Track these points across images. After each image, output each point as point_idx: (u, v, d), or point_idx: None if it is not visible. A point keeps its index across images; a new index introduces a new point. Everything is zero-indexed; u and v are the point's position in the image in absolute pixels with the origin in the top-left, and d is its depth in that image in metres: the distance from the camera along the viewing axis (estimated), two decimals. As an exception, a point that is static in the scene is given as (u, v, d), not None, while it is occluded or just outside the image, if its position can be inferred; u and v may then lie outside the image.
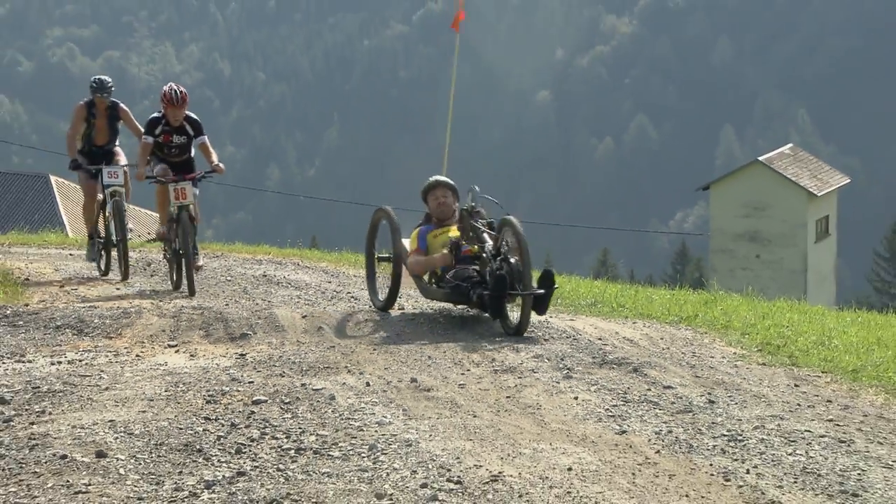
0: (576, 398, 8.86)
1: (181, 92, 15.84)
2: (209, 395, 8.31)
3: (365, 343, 10.91)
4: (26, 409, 7.90)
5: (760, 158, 63.17)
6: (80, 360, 9.73)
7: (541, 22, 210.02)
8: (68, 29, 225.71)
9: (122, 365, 9.50)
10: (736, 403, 8.83)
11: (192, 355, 10.08)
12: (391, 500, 6.03)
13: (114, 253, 16.95)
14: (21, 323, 11.76)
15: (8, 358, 9.90)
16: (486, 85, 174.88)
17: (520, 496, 6.18)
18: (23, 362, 9.71)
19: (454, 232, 12.53)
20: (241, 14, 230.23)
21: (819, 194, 60.68)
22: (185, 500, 6.02)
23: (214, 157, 15.99)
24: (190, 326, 11.56)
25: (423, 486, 6.29)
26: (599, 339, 11.54)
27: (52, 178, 51.63)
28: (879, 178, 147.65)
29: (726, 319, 13.26)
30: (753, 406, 8.75)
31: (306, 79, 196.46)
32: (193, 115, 16.14)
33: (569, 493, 6.30)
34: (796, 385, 9.78)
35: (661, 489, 6.55)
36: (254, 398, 8.21)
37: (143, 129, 16.19)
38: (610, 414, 8.47)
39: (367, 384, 8.89)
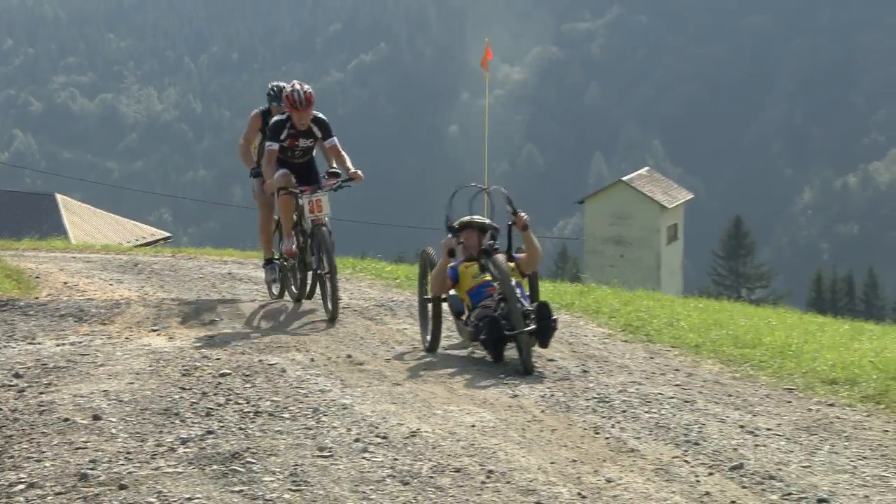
0: (478, 369, 8.89)
1: (305, 92, 11.44)
2: (184, 370, 8.26)
3: (310, 327, 10.86)
4: (36, 382, 7.83)
5: (623, 179, 63.64)
6: (80, 342, 9.64)
7: (452, 68, 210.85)
8: (70, 76, 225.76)
9: (114, 346, 9.41)
10: (604, 373, 8.89)
11: (170, 338, 10.00)
12: (331, 451, 6.02)
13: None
14: (32, 312, 11.61)
15: (21, 341, 9.79)
16: (410, 121, 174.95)
17: (433, 448, 6.19)
18: (33, 344, 9.60)
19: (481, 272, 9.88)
20: (210, 63, 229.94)
21: (669, 207, 61.20)
22: (165, 453, 5.98)
23: (349, 163, 11.59)
24: (169, 315, 11.45)
25: (357, 440, 6.28)
26: (497, 322, 11.53)
27: (59, 196, 51.01)
28: (716, 193, 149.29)
29: (597, 306, 13.31)
30: (618, 374, 8.81)
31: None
32: (321, 116, 11.83)
33: (472, 444, 6.32)
34: (651, 357, 9.84)
35: (545, 440, 6.58)
36: (220, 371, 8.17)
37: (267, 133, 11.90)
38: (504, 381, 8.50)
39: (312, 360, 8.86)
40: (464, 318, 9.71)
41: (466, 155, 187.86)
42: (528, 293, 10.02)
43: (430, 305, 10.05)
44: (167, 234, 55.53)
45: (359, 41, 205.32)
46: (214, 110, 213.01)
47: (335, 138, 11.71)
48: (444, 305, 9.94)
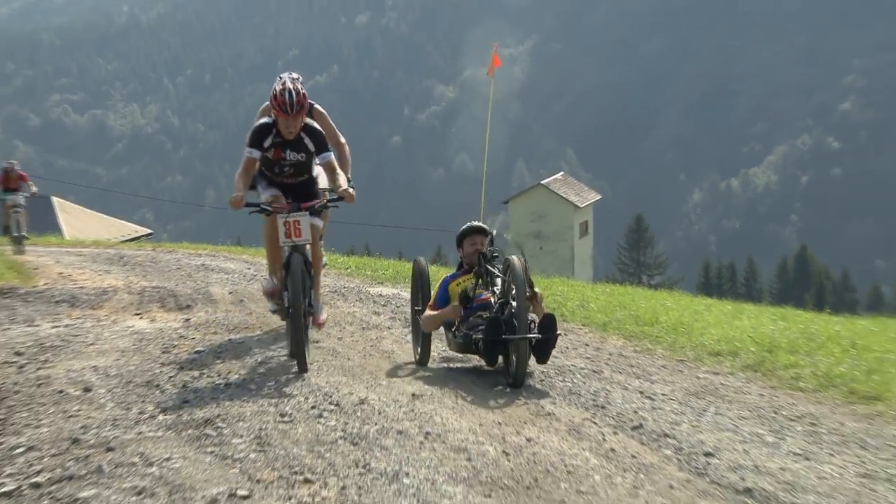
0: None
1: (298, 93, 7.73)
2: (164, 347, 8.19)
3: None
4: (35, 359, 7.74)
5: (542, 182, 64.02)
6: (73, 325, 9.53)
7: (395, 87, 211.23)
8: (64, 95, 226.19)
9: (103, 328, 9.32)
10: (525, 347, 8.91)
11: (152, 320, 9.91)
12: (291, 417, 5.99)
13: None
14: (31, 299, 11.49)
15: (22, 323, 9.67)
16: (359, 133, 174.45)
17: (379, 413, 6.18)
18: (32, 326, 9.48)
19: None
20: (186, 84, 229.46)
21: (581, 206, 61.60)
22: (146, 420, 5.93)
23: (342, 180, 7.87)
24: (150, 300, 11.35)
25: (313, 407, 6.26)
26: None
27: (54, 199, 50.27)
28: (620, 194, 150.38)
29: (519, 291, 13.34)
30: (537, 349, 8.83)
31: (232, 129, 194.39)
32: (313, 124, 8.11)
33: (412, 410, 6.31)
34: (565, 334, 9.87)
35: (475, 406, 6.59)
36: (195, 349, 8.11)
37: (246, 139, 7.97)
38: (441, 356, 8.50)
39: (275, 338, 8.82)
40: (454, 329, 8.10)
41: (407, 161, 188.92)
42: None
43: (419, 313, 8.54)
44: (149, 231, 55.00)
45: (314, 64, 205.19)
46: (190, 124, 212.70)
47: (331, 153, 8.07)
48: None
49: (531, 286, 7.61)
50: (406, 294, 12.41)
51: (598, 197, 68.22)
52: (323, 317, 8.52)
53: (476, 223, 8.66)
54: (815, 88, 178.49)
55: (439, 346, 8.95)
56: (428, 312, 8.29)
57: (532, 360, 7.57)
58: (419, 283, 8.84)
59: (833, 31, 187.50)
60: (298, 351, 7.39)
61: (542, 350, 7.39)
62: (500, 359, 7.55)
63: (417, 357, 8.26)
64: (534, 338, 7.28)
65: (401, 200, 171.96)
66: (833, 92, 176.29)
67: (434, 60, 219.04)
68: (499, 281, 7.91)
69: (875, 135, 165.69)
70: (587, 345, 9.33)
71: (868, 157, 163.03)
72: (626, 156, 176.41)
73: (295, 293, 7.46)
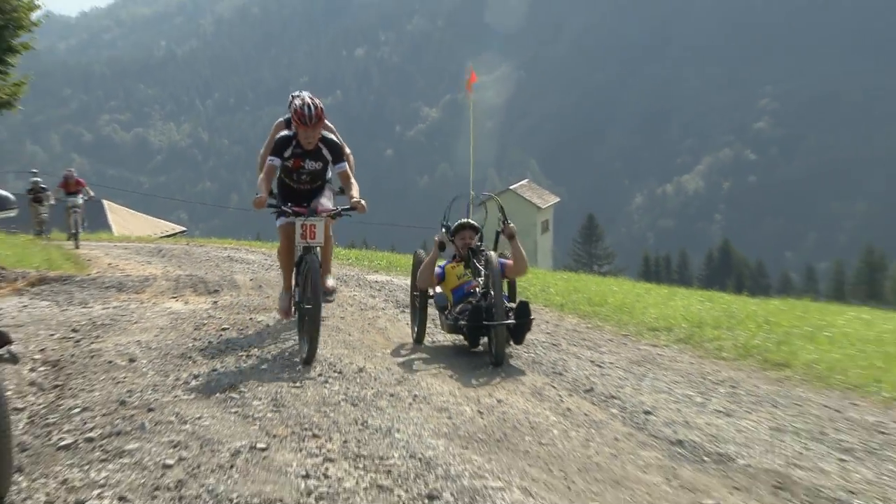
0: (407, 324, 8.87)
1: (316, 107, 7.26)
2: (196, 325, 8.15)
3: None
4: (88, 335, 7.69)
5: (510, 187, 64.06)
6: (120, 306, 9.48)
7: (389, 109, 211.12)
8: (113, 115, 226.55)
9: (145, 309, 9.27)
10: (496, 324, 8.89)
11: (186, 303, 9.86)
12: (301, 383, 5.98)
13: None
14: (85, 285, 11.41)
15: (78, 305, 9.62)
16: (358, 147, 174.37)
17: (375, 379, 6.18)
18: (86, 308, 9.43)
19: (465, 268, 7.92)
20: (214, 106, 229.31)
21: (543, 207, 61.69)
22: (181, 385, 5.91)
23: (355, 192, 7.20)
24: (185, 286, 11.29)
25: (320, 375, 6.25)
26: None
27: (105, 202, 49.90)
28: (575, 197, 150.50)
29: (491, 278, 13.32)
30: (506, 326, 8.81)
31: (253, 143, 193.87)
32: (331, 136, 7.64)
33: (404, 377, 6.32)
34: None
35: (456, 374, 6.60)
36: (222, 327, 8.07)
37: (269, 148, 7.65)
38: (428, 332, 8.49)
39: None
40: (446, 312, 7.78)
41: (399, 170, 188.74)
42: (507, 294, 8.02)
43: (417, 297, 8.11)
44: (183, 229, 54.71)
45: (320, 90, 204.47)
46: (217, 139, 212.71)
47: (346, 163, 7.46)
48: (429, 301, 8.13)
49: (505, 222, 7.91)
50: (398, 281, 12.38)
51: (557, 200, 68.29)
52: (330, 283, 8.43)
53: (467, 220, 8.26)
54: (735, 110, 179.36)
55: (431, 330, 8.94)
56: (421, 268, 7.93)
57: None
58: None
59: (749, 63, 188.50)
60: (311, 347, 6.68)
61: (518, 333, 7.15)
62: (485, 340, 7.38)
63: (414, 336, 7.97)
64: (510, 323, 7.02)
65: (393, 203, 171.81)
66: (750, 113, 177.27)
67: (421, 86, 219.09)
68: (483, 271, 7.60)
69: (784, 149, 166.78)
70: (547, 322, 9.34)
71: (778, 167, 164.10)
72: (580, 165, 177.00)
73: (314, 291, 6.74)
